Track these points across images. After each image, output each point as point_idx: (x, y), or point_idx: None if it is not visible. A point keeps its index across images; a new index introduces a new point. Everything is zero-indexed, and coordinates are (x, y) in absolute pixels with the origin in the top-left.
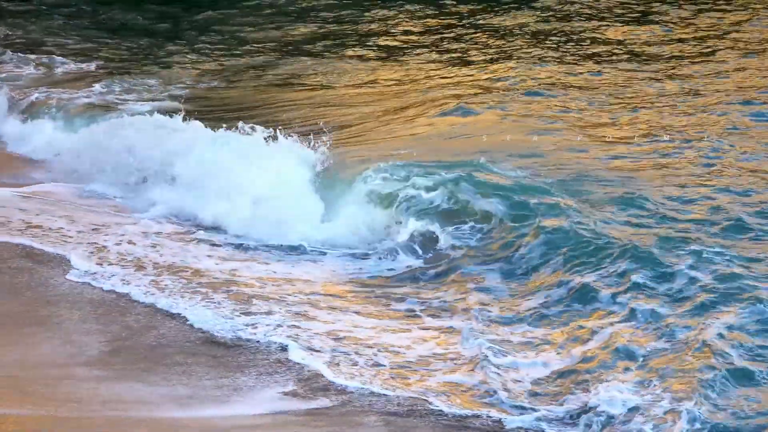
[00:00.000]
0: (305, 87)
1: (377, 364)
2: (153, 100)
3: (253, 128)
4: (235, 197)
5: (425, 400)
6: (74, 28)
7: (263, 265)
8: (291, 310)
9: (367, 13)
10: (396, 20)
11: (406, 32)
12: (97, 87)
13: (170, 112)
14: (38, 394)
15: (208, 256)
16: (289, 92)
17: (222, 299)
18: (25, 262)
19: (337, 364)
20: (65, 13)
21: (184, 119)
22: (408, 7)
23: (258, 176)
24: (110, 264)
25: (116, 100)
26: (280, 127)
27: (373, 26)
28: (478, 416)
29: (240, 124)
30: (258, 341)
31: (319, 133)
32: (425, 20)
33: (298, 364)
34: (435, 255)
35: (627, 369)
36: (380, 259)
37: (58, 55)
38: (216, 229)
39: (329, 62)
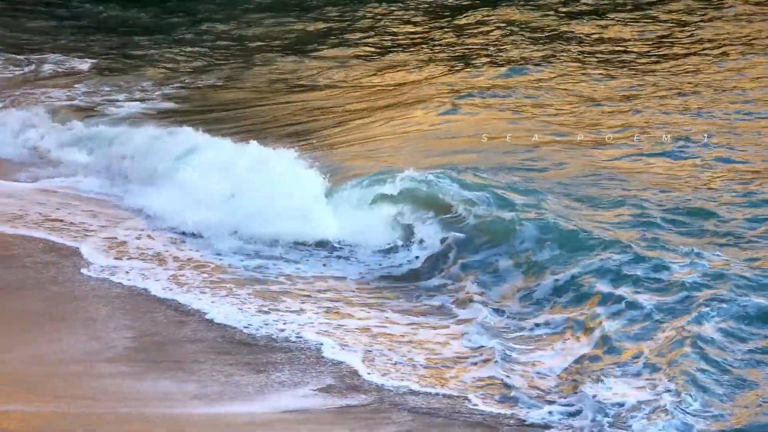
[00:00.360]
0: (300, 87)
1: (411, 360)
2: (144, 100)
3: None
4: (248, 200)
5: (452, 396)
6: (68, 27)
7: (290, 263)
8: (322, 307)
9: (364, 10)
10: (393, 17)
11: (402, 30)
12: (86, 87)
13: (163, 113)
14: (51, 391)
15: (234, 253)
16: (285, 91)
17: (247, 295)
18: (49, 257)
19: (372, 360)
20: (60, 11)
21: (178, 123)
22: (404, 3)
23: (261, 179)
24: (130, 258)
25: (105, 101)
26: (275, 127)
27: (370, 23)
28: (500, 413)
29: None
30: (287, 338)
31: (315, 133)
32: (420, 17)
33: (332, 360)
34: (440, 251)
35: (634, 361)
36: (391, 256)
37: (50, 54)
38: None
39: (327, 60)
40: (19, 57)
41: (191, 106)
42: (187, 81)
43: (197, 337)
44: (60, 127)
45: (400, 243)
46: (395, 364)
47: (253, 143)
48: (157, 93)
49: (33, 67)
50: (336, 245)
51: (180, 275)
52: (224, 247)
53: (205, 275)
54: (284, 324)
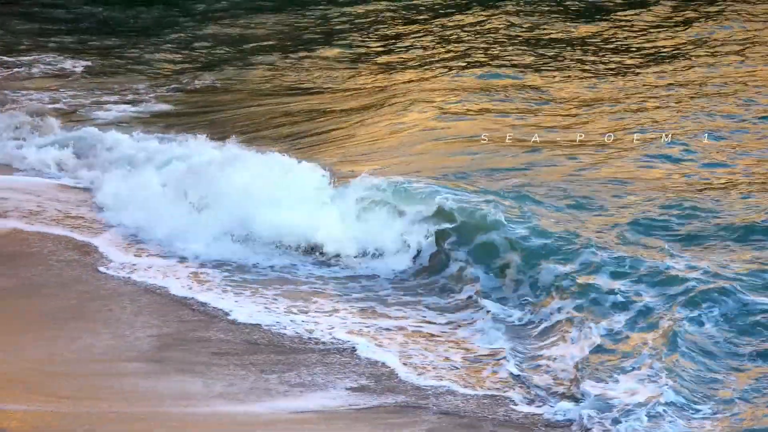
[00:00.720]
0: (298, 88)
1: (447, 359)
2: (136, 103)
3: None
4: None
5: (477, 396)
6: (64, 28)
7: (316, 266)
8: (355, 307)
9: (364, 10)
10: (392, 17)
11: (402, 30)
12: (75, 89)
13: (156, 116)
14: (58, 391)
15: (256, 253)
16: (282, 92)
17: (275, 296)
18: (68, 254)
19: (410, 358)
20: (57, 12)
21: (171, 126)
22: (404, 3)
23: (263, 181)
24: (150, 256)
25: (93, 103)
26: (272, 128)
27: (370, 23)
28: (525, 411)
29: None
30: (319, 338)
31: (314, 134)
32: (420, 18)
33: (367, 359)
34: (443, 250)
35: (640, 359)
36: (404, 255)
37: (43, 55)
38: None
39: (325, 61)
40: (8, 59)
41: (186, 109)
42: (184, 81)
43: (222, 336)
44: (38, 131)
45: (408, 243)
46: (430, 362)
47: (252, 148)
48: (151, 95)
49: (23, 68)
50: (349, 250)
51: (201, 273)
52: (237, 248)
53: (227, 273)
54: (315, 324)
